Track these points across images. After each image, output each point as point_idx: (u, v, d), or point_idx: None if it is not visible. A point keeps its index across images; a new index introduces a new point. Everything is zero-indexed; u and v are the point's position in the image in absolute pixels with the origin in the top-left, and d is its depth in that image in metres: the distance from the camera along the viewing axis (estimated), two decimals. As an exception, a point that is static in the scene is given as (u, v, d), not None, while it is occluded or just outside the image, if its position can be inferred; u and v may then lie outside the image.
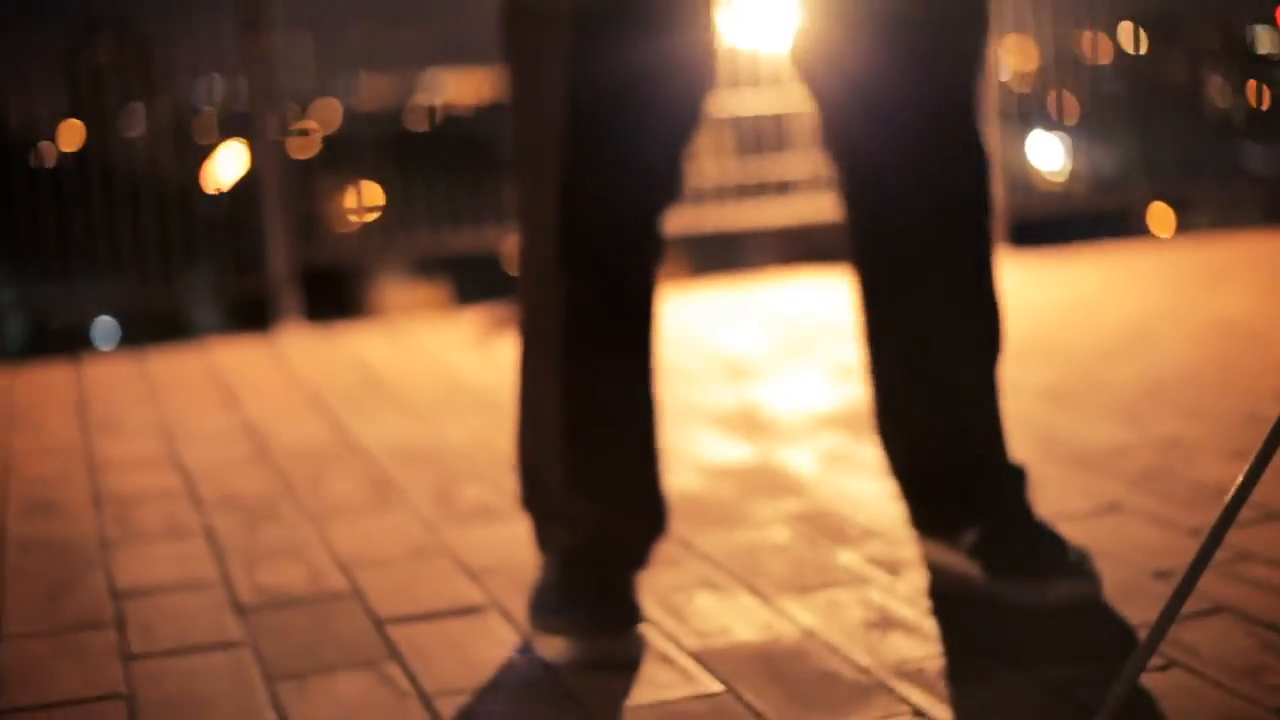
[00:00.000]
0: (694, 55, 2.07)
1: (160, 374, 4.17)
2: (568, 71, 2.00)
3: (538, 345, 2.12)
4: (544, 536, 2.18)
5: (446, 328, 4.60)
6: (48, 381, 4.17)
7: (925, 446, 2.26)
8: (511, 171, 2.15)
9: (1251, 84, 6.43)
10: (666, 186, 2.10)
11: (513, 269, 2.15)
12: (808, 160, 5.57)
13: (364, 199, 6.08)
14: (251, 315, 6.17)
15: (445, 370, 3.98)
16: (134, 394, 3.93)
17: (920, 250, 2.20)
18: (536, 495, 2.18)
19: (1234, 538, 2.30)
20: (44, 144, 5.64)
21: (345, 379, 3.96)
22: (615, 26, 2.01)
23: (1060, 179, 7.20)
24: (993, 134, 5.71)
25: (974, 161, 2.20)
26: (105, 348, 9.12)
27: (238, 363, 4.27)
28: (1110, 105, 6.47)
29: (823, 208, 5.58)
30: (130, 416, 3.68)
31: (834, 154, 2.24)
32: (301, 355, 4.33)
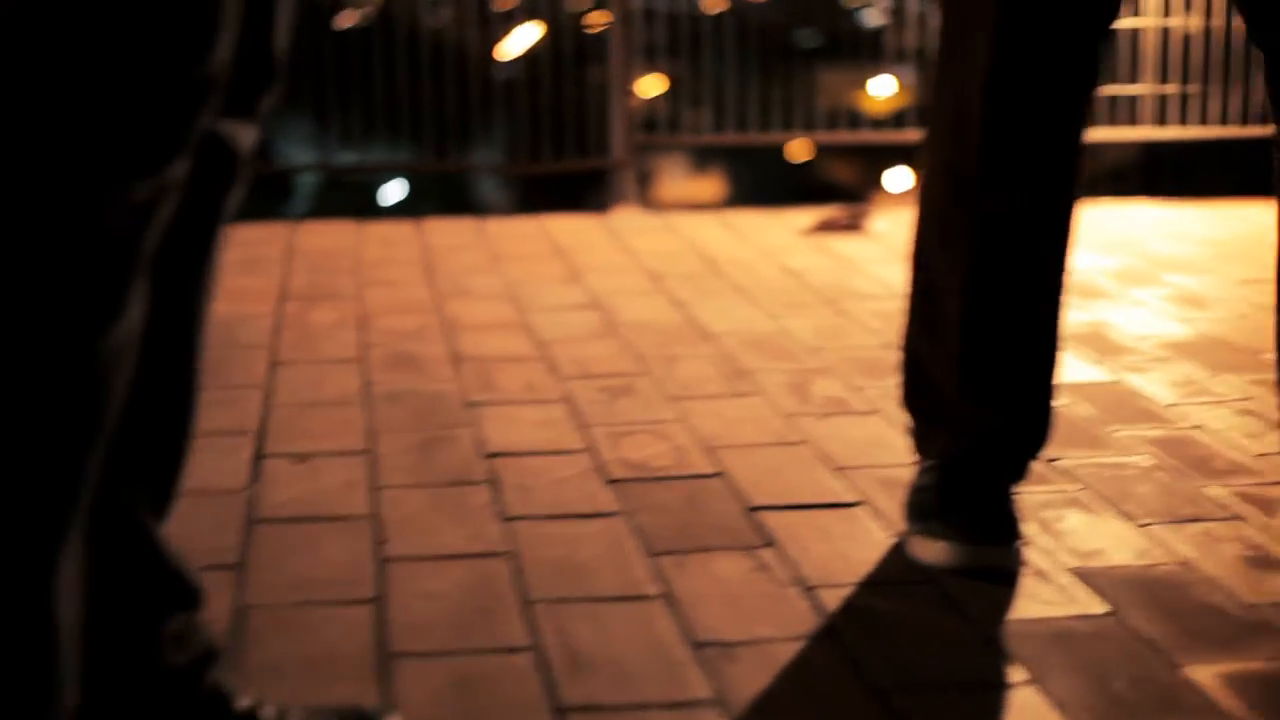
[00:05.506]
0: None
1: (501, 243, 4.23)
2: None
3: (945, 249, 2.09)
4: (924, 438, 2.17)
5: (780, 222, 4.57)
6: (335, 241, 4.25)
7: None
8: (934, 72, 2.12)
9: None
10: (1088, 81, 2.05)
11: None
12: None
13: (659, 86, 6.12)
14: (541, 197, 6.24)
15: (784, 264, 3.97)
16: (478, 259, 4.00)
17: None
18: (921, 396, 2.17)
19: None
20: (347, 9, 5.75)
21: (685, 264, 3.98)
22: None
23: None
24: None
25: None
26: (387, 209, 9.26)
27: (575, 239, 4.31)
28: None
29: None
30: (477, 281, 3.75)
31: None
32: (638, 236, 4.35)
